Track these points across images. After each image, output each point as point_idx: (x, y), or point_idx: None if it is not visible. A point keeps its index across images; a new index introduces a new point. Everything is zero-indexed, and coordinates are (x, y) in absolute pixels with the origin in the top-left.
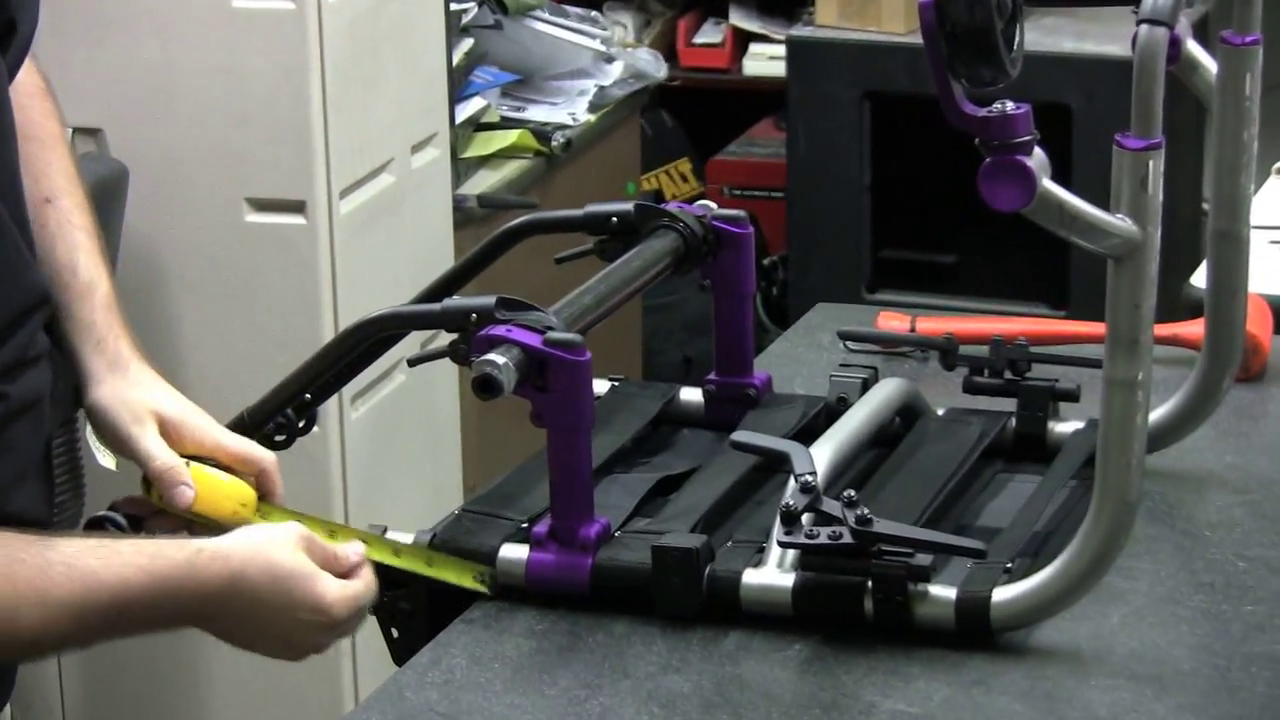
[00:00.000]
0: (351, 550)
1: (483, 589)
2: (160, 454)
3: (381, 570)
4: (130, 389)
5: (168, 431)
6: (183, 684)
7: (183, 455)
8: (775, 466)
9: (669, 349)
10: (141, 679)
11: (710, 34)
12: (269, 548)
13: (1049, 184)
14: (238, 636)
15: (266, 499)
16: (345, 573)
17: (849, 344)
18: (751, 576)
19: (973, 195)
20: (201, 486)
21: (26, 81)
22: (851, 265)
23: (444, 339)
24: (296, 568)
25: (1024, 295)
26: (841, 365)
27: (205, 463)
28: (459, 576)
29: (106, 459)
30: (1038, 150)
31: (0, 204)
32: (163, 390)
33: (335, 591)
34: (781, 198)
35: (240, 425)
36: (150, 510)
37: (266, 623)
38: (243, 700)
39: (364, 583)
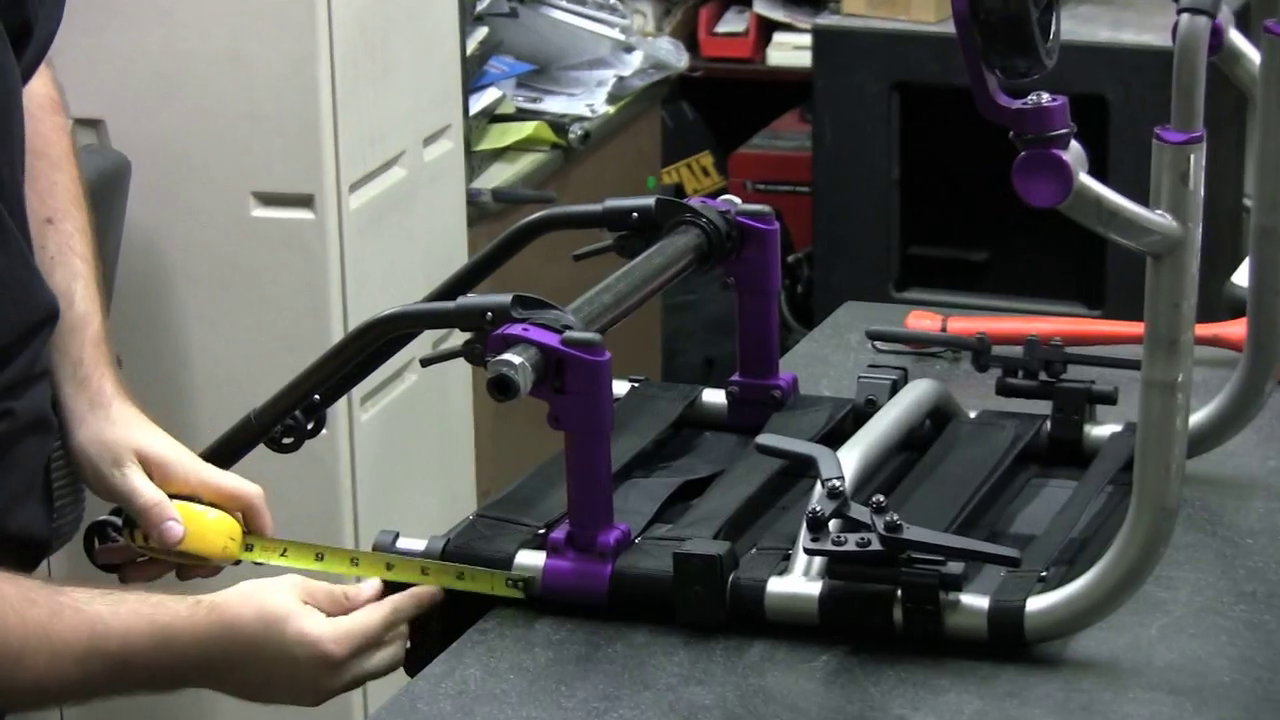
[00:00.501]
0: (367, 586)
1: (518, 594)
2: (145, 491)
3: (393, 586)
4: (111, 428)
5: (151, 470)
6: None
7: (167, 495)
8: (801, 471)
9: (690, 349)
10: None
11: (733, 22)
12: (260, 593)
13: (1086, 179)
14: (247, 688)
15: (254, 533)
16: (352, 609)
17: (877, 344)
18: (777, 585)
19: (1006, 190)
20: (189, 523)
21: (39, 93)
22: (879, 262)
23: (458, 338)
24: (285, 608)
25: (1059, 294)
26: (870, 366)
27: (190, 500)
28: (492, 585)
29: None
30: (1074, 144)
31: (10, 218)
32: (145, 429)
33: (327, 629)
34: (807, 193)
35: (246, 428)
36: (129, 556)
37: (269, 668)
38: (247, 713)
39: (365, 617)
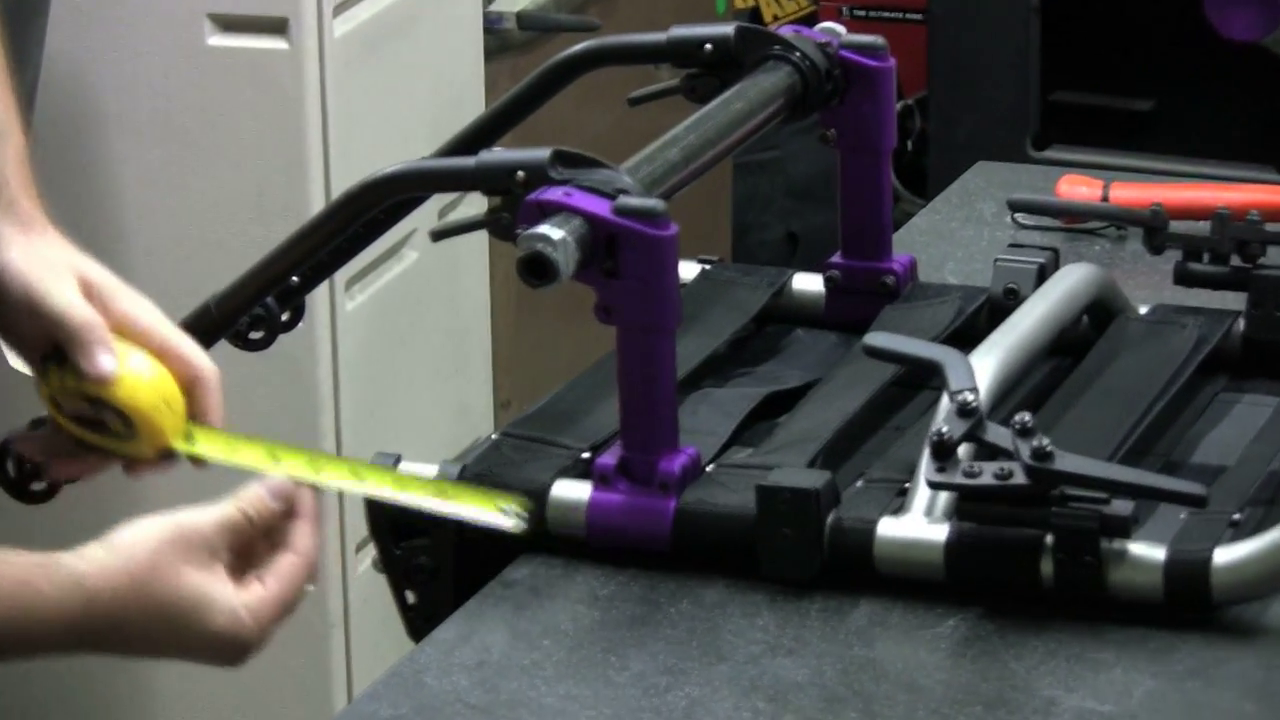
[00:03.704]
0: (270, 493)
1: (513, 528)
2: (80, 310)
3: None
4: (48, 248)
5: (92, 297)
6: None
7: None
8: (922, 380)
9: (768, 222)
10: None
11: None
12: (151, 580)
13: None
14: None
15: (199, 418)
16: (276, 544)
17: (1019, 217)
18: (890, 528)
19: (1178, 19)
20: (125, 369)
21: None
22: (1014, 112)
23: (474, 205)
24: (184, 600)
25: (1248, 155)
26: (1010, 246)
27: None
28: (483, 504)
29: (17, 358)
30: None
31: None
32: (87, 258)
33: (241, 614)
34: (920, 20)
35: (204, 318)
36: (51, 449)
37: (170, 653)
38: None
39: (285, 584)
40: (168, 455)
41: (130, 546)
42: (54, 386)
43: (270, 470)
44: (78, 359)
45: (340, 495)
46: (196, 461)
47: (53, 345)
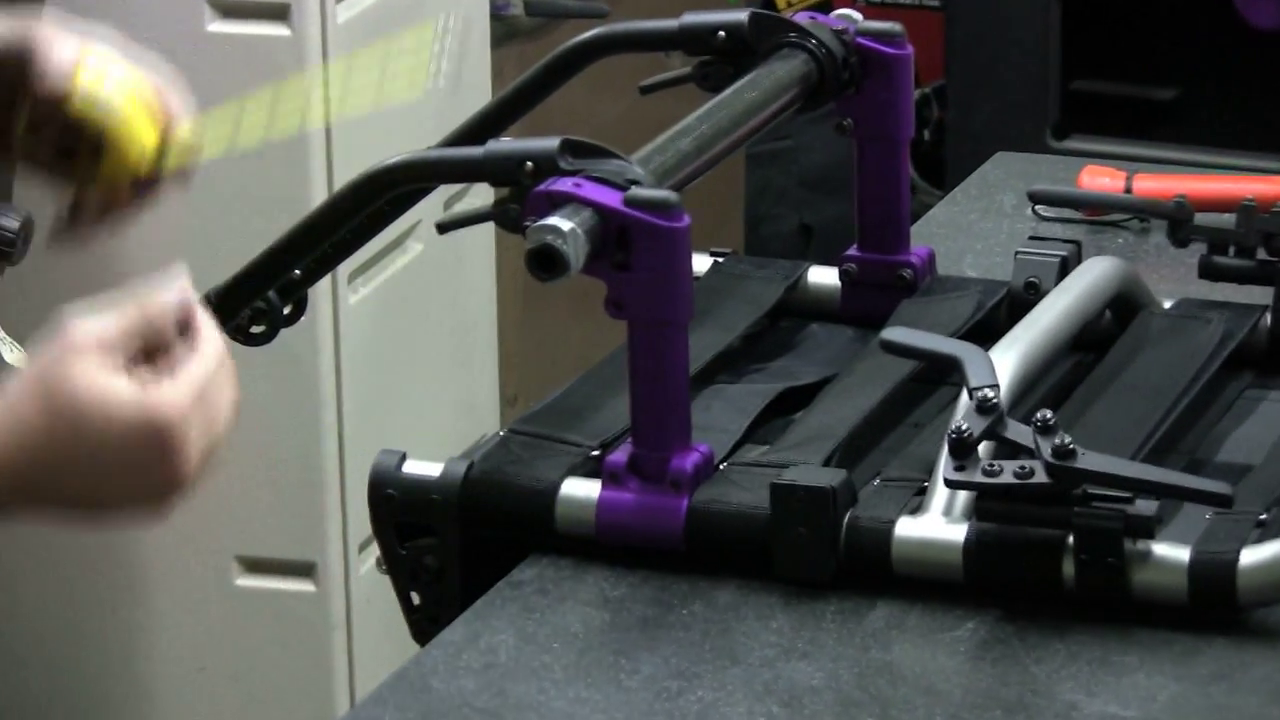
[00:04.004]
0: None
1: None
2: (54, 31)
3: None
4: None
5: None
6: (132, 668)
7: None
8: (940, 377)
9: (782, 213)
10: (101, 667)
11: None
12: (44, 383)
13: None
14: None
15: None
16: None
17: (1040, 209)
18: (908, 528)
19: (1202, 5)
20: (105, 72)
21: None
22: (1034, 101)
23: (482, 196)
24: (78, 396)
25: (1274, 145)
26: (1031, 238)
27: None
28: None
29: (11, 351)
30: None
31: None
32: None
33: (149, 410)
34: (938, 7)
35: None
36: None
37: (87, 462)
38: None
39: (194, 377)
40: (142, 182)
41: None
42: (24, 125)
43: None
44: (52, 65)
45: (343, 496)
46: (167, 179)
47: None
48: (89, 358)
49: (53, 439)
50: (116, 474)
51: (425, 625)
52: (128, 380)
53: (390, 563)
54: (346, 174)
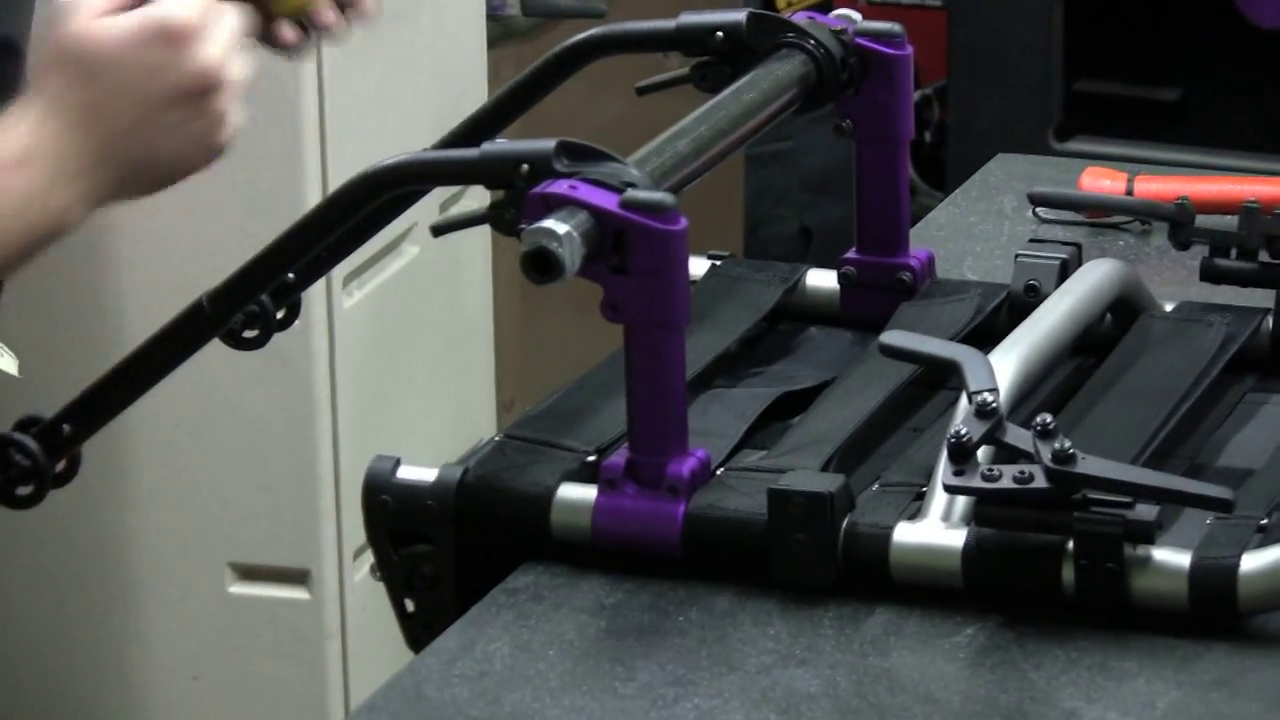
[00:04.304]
0: None
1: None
2: None
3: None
4: None
5: None
6: (125, 676)
7: None
8: (940, 381)
9: (781, 215)
10: (95, 675)
11: None
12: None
13: None
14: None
15: None
16: None
17: (1041, 211)
18: (906, 533)
19: (1206, 6)
20: None
21: None
22: (1037, 102)
23: (479, 198)
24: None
25: (1277, 147)
26: (1031, 241)
27: None
28: None
29: (6, 360)
30: None
31: None
32: None
33: (163, 7)
34: (939, 6)
35: (197, 317)
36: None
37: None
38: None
39: None
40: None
41: None
42: None
43: None
44: None
45: (338, 502)
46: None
47: None
48: (86, 18)
49: (82, 92)
50: (146, 88)
51: (420, 632)
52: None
53: (384, 569)
54: (341, 175)
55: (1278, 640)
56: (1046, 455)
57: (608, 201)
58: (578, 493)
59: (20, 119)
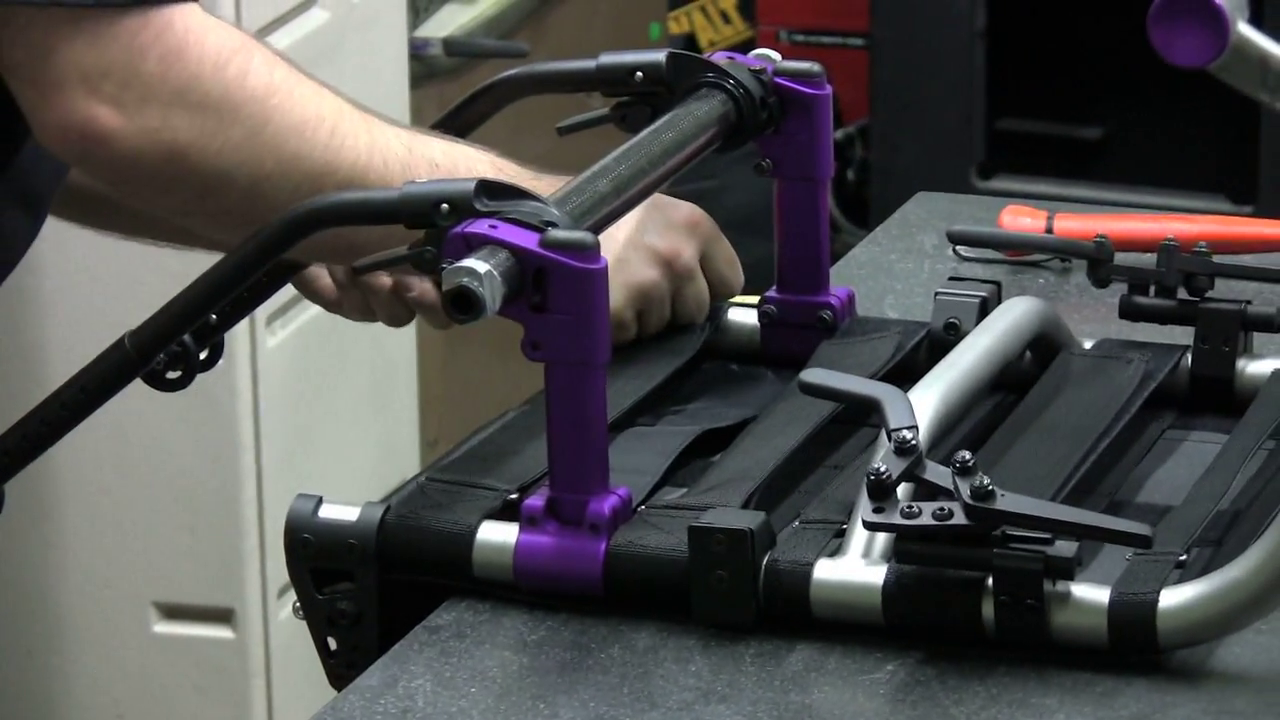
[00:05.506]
0: None
1: None
2: None
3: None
4: None
5: None
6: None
7: None
8: (860, 418)
9: None
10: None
11: None
12: None
13: (1247, 29)
14: None
15: None
16: None
17: (960, 249)
18: (826, 570)
19: (1127, 45)
20: None
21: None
22: (958, 141)
23: (401, 238)
24: None
25: (1197, 185)
26: (951, 279)
27: None
28: None
29: None
30: None
31: None
32: None
33: None
34: (861, 46)
35: (119, 357)
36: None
37: None
38: None
39: None
40: None
41: None
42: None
43: None
44: None
45: (261, 541)
46: None
47: None
48: None
49: None
50: None
51: (342, 671)
52: None
53: (307, 608)
54: None
55: (1197, 675)
56: (966, 492)
57: (528, 241)
58: (499, 531)
59: None
